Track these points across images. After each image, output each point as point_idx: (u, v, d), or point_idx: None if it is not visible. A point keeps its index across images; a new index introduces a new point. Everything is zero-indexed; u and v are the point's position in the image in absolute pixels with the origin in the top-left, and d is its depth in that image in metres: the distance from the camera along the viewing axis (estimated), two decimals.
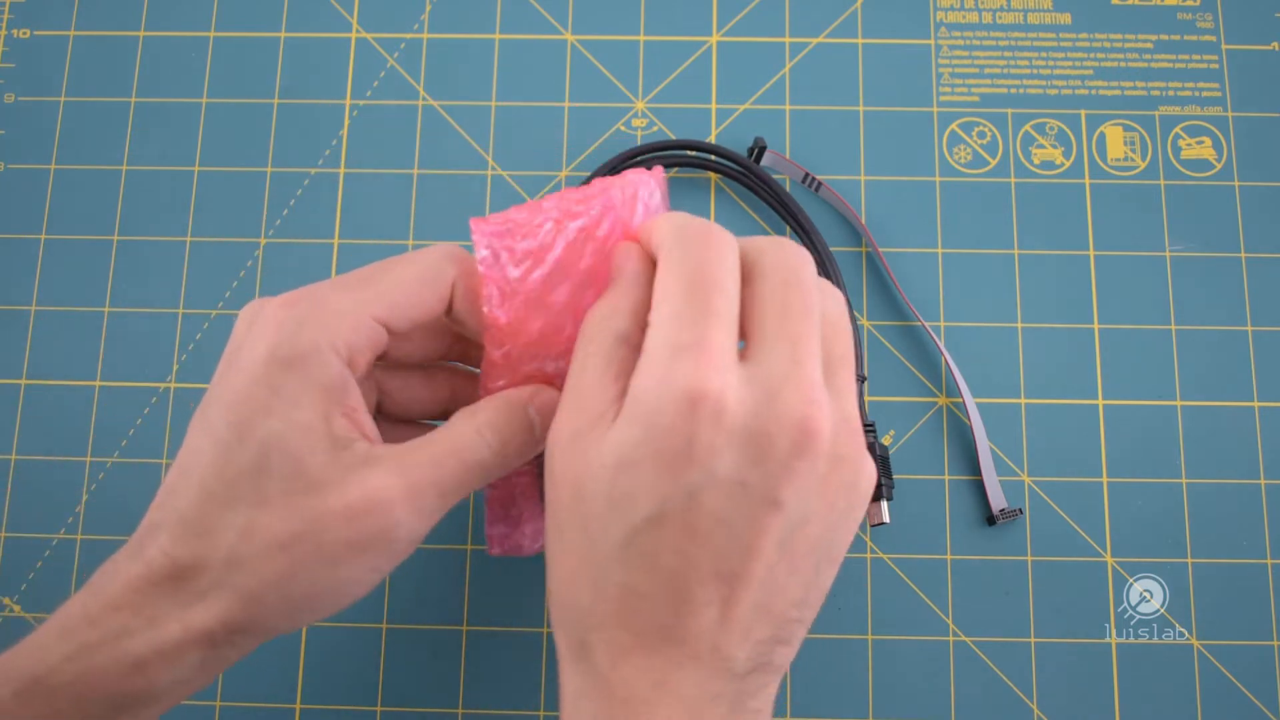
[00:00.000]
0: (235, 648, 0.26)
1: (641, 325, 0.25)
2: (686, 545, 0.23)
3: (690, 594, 0.24)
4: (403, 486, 0.25)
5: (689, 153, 0.42)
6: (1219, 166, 0.43)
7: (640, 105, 0.44)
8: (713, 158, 0.42)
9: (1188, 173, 0.44)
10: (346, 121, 0.44)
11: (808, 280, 0.24)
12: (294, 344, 0.25)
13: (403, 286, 0.27)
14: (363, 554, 0.25)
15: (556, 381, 0.29)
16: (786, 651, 0.25)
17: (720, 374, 0.23)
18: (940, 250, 0.43)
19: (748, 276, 0.25)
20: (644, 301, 0.25)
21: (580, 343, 0.26)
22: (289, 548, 0.25)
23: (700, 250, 0.24)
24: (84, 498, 0.41)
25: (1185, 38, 0.45)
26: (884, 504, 0.38)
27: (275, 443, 0.25)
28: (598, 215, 0.28)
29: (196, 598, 0.25)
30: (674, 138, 0.44)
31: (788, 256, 0.25)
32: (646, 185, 0.29)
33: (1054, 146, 0.44)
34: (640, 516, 0.23)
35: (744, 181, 0.42)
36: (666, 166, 0.42)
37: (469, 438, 0.27)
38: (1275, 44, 0.45)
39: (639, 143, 0.44)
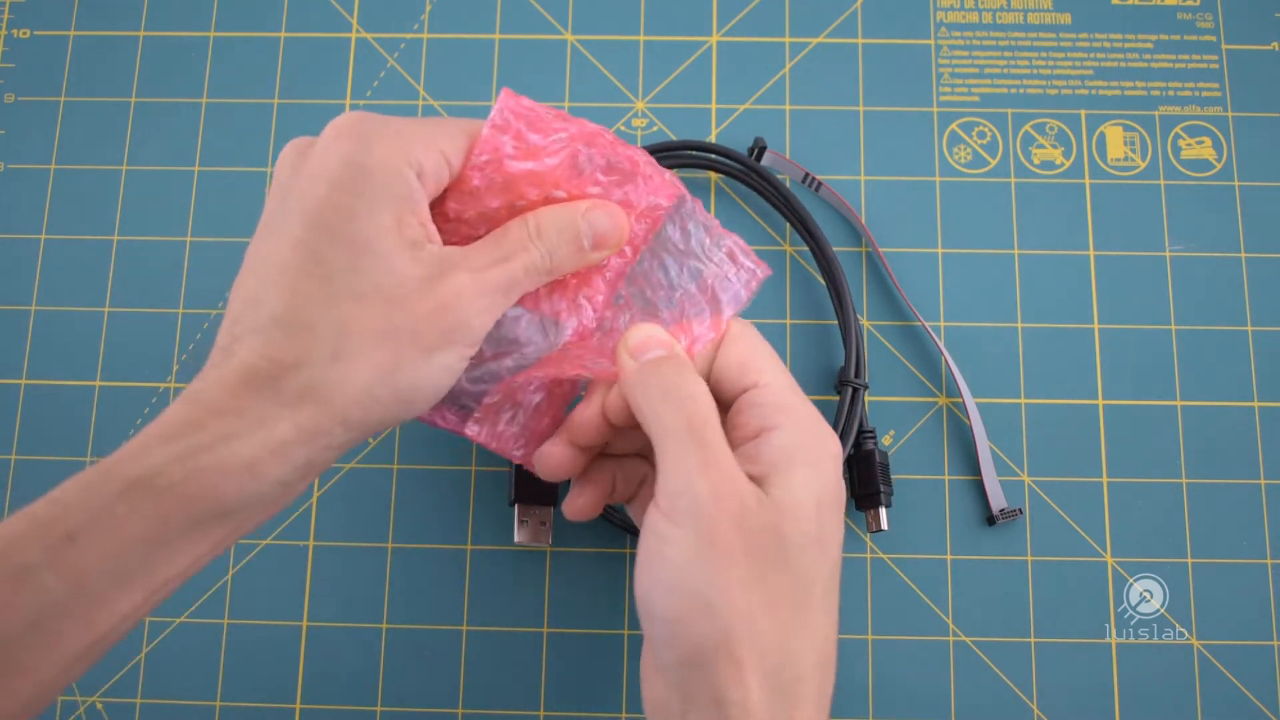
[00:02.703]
0: (338, 449, 0.27)
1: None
2: (837, 589, 0.27)
3: (832, 652, 0.27)
4: (476, 286, 0.28)
5: (690, 152, 0.42)
6: (1219, 166, 0.43)
7: (640, 105, 0.44)
8: (713, 157, 0.42)
9: (1188, 173, 0.44)
10: None
11: None
12: (369, 154, 0.27)
13: (468, 130, 0.29)
14: (452, 343, 0.27)
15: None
16: None
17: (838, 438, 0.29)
18: (940, 250, 0.43)
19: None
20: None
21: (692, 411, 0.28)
22: (392, 338, 0.26)
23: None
24: None
25: (1185, 38, 0.45)
26: (882, 511, 0.38)
27: (364, 244, 0.26)
28: (609, 167, 0.30)
29: (302, 395, 0.25)
30: (674, 137, 0.44)
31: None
32: (659, 209, 0.31)
33: (1054, 146, 0.44)
34: (837, 557, 0.27)
35: (746, 181, 0.42)
36: (668, 165, 0.42)
37: (524, 242, 0.29)
38: (1275, 44, 0.45)
39: (639, 143, 0.44)
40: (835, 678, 0.27)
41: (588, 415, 0.30)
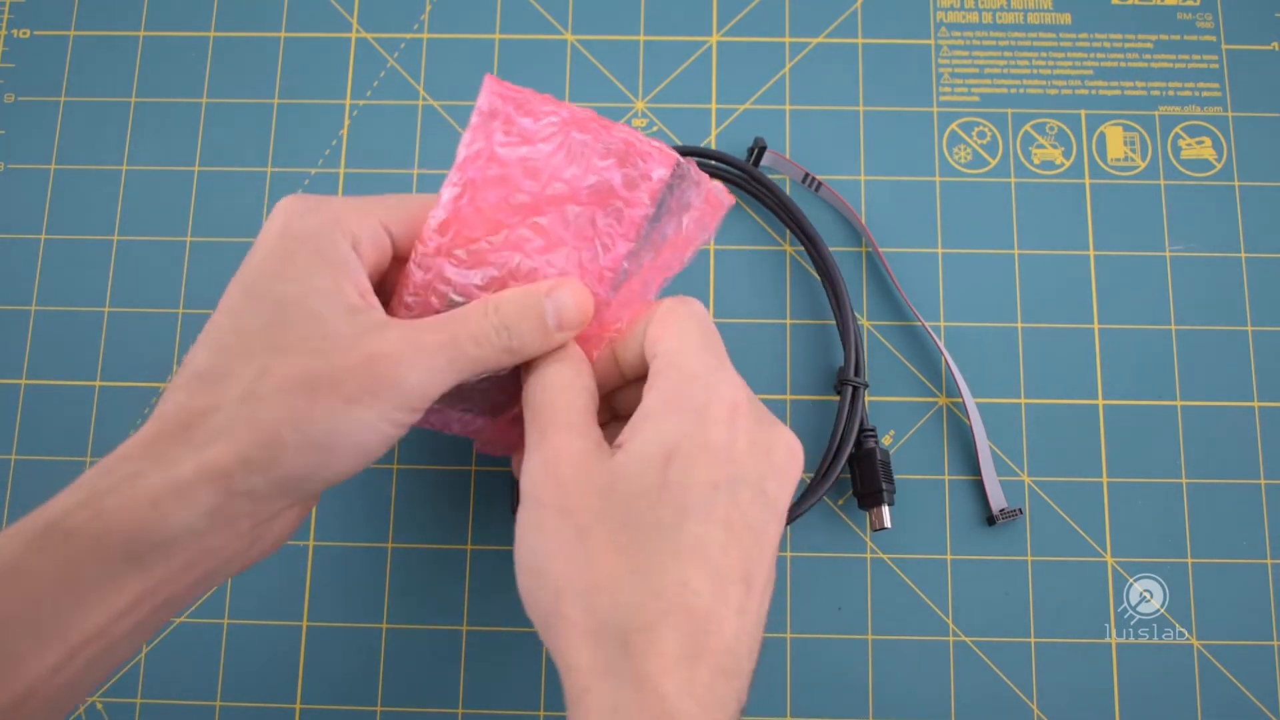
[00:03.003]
0: (250, 498, 0.25)
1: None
2: (727, 539, 0.25)
3: (726, 595, 0.25)
4: (411, 345, 0.27)
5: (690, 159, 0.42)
6: (1219, 166, 0.43)
7: (640, 105, 0.44)
8: (712, 163, 0.42)
9: (1188, 173, 0.44)
10: (346, 121, 0.44)
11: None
12: (304, 222, 0.27)
13: (407, 203, 0.29)
14: (376, 398, 0.26)
15: (493, 270, 0.30)
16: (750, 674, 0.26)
17: (740, 389, 0.28)
18: (940, 250, 0.43)
19: None
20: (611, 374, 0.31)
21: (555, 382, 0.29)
22: (308, 385, 0.25)
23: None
24: None
25: (1185, 38, 0.45)
26: (885, 509, 0.39)
27: (291, 301, 0.26)
28: (605, 151, 0.30)
29: (212, 437, 0.25)
30: (674, 137, 0.44)
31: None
32: (661, 181, 0.30)
33: (1054, 146, 0.44)
34: (694, 502, 0.25)
35: (744, 186, 0.42)
36: None
37: (478, 317, 0.28)
38: (1275, 44, 0.45)
39: None
40: (747, 634, 0.25)
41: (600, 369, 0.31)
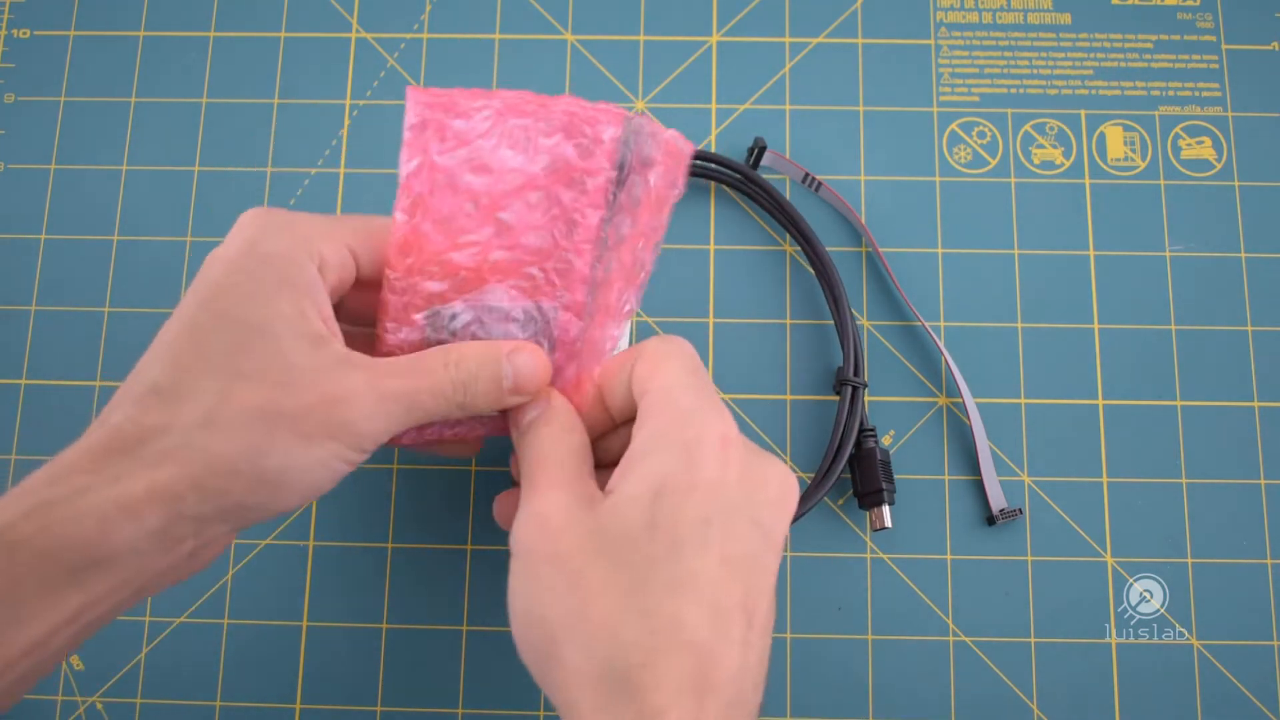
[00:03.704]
0: (197, 522, 0.25)
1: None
2: (723, 573, 0.25)
3: (727, 628, 0.25)
4: (371, 391, 0.27)
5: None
6: (1219, 166, 0.43)
7: (640, 105, 0.44)
8: (711, 166, 0.42)
9: (1188, 173, 0.44)
10: (346, 121, 0.44)
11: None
12: (273, 242, 0.27)
13: (372, 225, 0.29)
14: (332, 439, 0.26)
15: (464, 277, 0.30)
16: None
17: (729, 424, 0.27)
18: (940, 250, 0.43)
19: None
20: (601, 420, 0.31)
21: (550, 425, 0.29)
22: (268, 419, 0.25)
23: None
24: None
25: (1185, 38, 0.45)
26: (885, 509, 0.39)
27: (255, 326, 0.26)
28: (549, 129, 0.29)
29: (163, 456, 0.25)
30: None
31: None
32: (615, 140, 0.30)
33: (1054, 146, 0.44)
34: (687, 540, 0.25)
35: (743, 189, 0.42)
36: None
37: (438, 369, 0.28)
38: (1275, 44, 0.45)
39: None
40: (752, 665, 0.25)
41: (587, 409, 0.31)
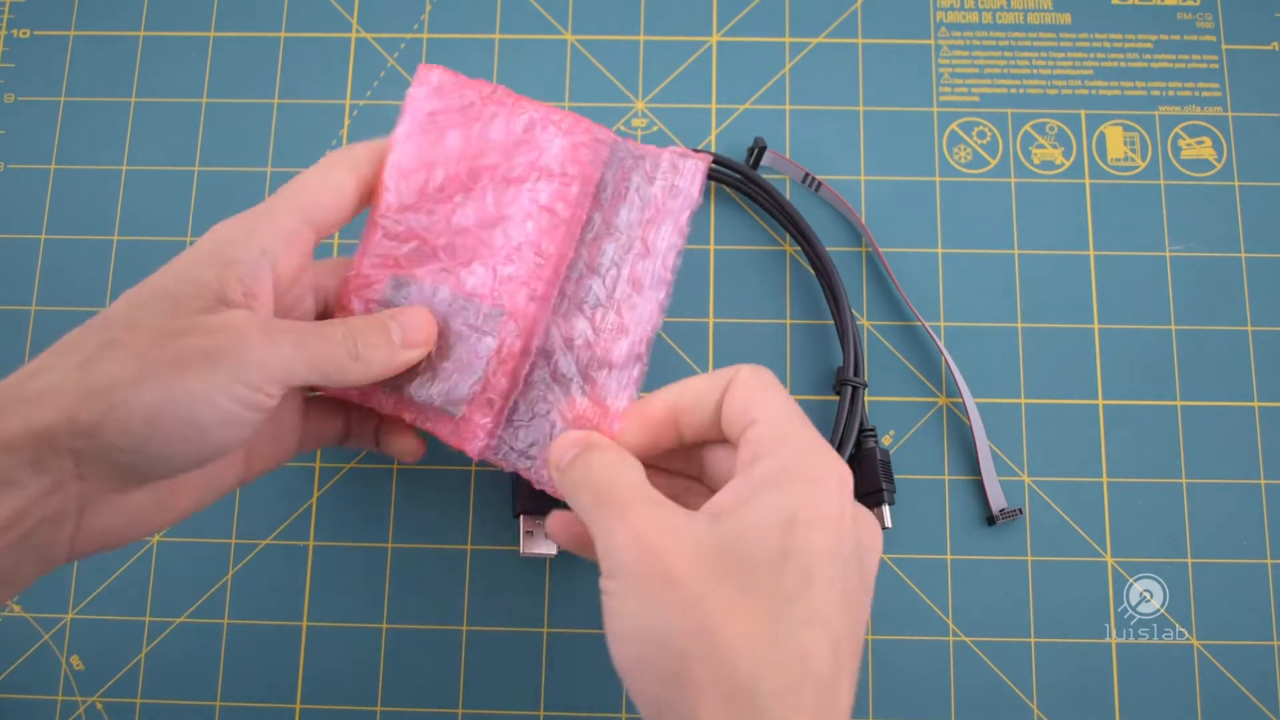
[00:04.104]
0: (77, 460, 0.25)
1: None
2: (843, 614, 0.26)
3: (845, 665, 0.26)
4: (260, 325, 0.27)
5: None
6: (1219, 166, 0.43)
7: (640, 105, 0.44)
8: (712, 165, 0.42)
9: (1188, 173, 0.44)
10: (346, 121, 0.44)
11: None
12: (219, 230, 0.29)
13: (306, 187, 0.30)
14: (213, 366, 0.26)
15: (435, 250, 0.32)
16: None
17: (845, 466, 0.28)
18: (940, 250, 0.43)
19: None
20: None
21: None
22: (144, 355, 0.25)
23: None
24: None
25: (1185, 38, 0.45)
26: (886, 509, 0.39)
27: (168, 290, 0.27)
28: (542, 125, 0.31)
29: (41, 393, 0.25)
30: (674, 137, 0.44)
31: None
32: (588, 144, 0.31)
33: (1054, 146, 0.44)
34: (819, 574, 0.25)
35: (743, 189, 0.42)
36: None
37: (330, 324, 0.29)
38: (1275, 44, 0.45)
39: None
40: (850, 705, 0.26)
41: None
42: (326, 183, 0.30)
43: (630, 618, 0.26)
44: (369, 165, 0.31)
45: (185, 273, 0.27)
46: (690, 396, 0.30)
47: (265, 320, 0.27)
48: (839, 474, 0.27)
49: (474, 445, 0.32)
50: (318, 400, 0.34)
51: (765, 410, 0.28)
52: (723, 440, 0.30)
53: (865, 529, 0.27)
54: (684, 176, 0.32)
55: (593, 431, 0.31)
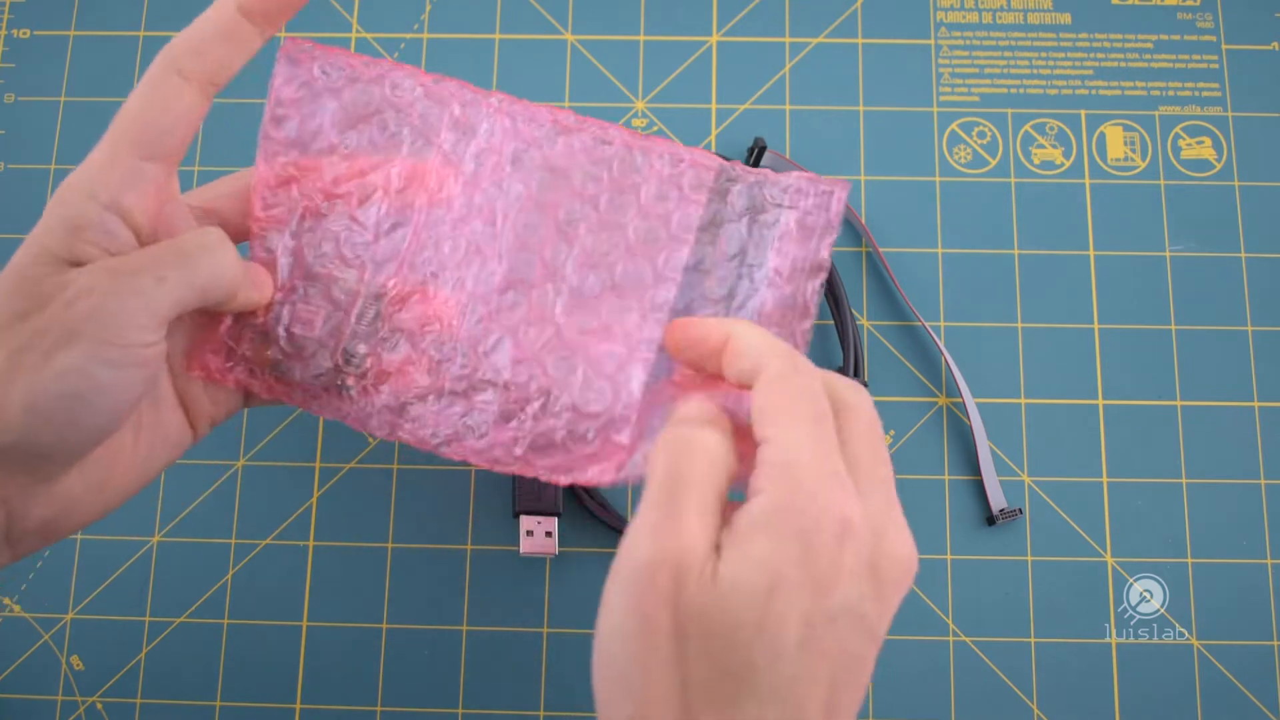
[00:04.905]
0: None
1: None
2: (815, 674, 0.23)
3: None
4: (108, 271, 0.25)
5: None
6: (1219, 166, 0.44)
7: (640, 105, 0.44)
8: None
9: (1188, 173, 0.44)
10: None
11: (881, 427, 0.27)
12: (57, 198, 0.26)
13: (135, 115, 0.27)
14: (74, 336, 0.24)
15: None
16: None
17: (854, 502, 0.24)
18: (940, 250, 0.43)
19: (836, 409, 0.26)
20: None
21: (664, 470, 0.25)
22: (5, 345, 0.24)
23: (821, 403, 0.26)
24: None
25: (1185, 38, 0.45)
26: None
27: (14, 271, 0.25)
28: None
29: None
30: (674, 138, 0.44)
31: (868, 401, 0.27)
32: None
33: (1054, 146, 0.44)
34: (789, 642, 0.23)
35: None
36: None
37: (184, 235, 0.27)
38: (1275, 44, 0.45)
39: None
40: None
41: None
42: (157, 104, 0.27)
43: (609, 644, 0.24)
44: (194, 60, 0.27)
45: (35, 246, 0.25)
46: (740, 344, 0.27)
47: (114, 264, 0.25)
48: (839, 516, 0.24)
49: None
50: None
51: (778, 429, 0.25)
52: None
53: (873, 574, 0.24)
54: (821, 204, 0.30)
55: (719, 412, 0.27)
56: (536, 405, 0.30)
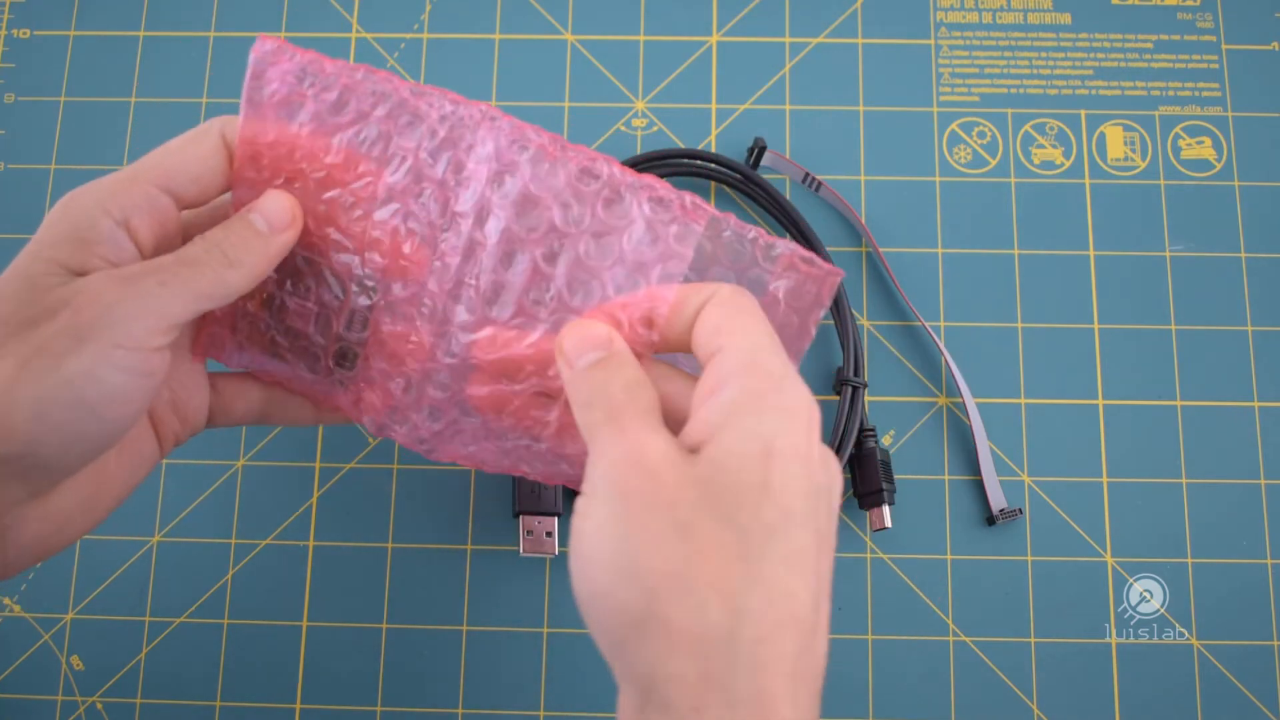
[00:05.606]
0: None
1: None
2: (819, 554, 0.24)
3: (822, 609, 0.24)
4: (117, 277, 0.25)
5: (687, 160, 0.42)
6: (1219, 166, 0.43)
7: (640, 105, 0.44)
8: (711, 166, 0.42)
9: (1188, 173, 0.44)
10: None
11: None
12: (70, 205, 0.27)
13: (173, 153, 0.28)
14: (83, 341, 0.24)
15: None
16: None
17: (812, 396, 0.26)
18: (940, 250, 0.43)
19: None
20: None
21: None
22: (13, 352, 0.24)
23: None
24: None
25: (1185, 38, 0.45)
26: (885, 508, 0.39)
27: (18, 276, 0.25)
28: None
29: None
30: (674, 137, 0.44)
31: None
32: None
33: (1054, 146, 0.44)
34: (796, 511, 0.24)
35: (742, 189, 0.42)
36: (666, 174, 0.42)
37: (190, 246, 0.27)
38: (1275, 44, 0.45)
39: (639, 143, 0.44)
40: (825, 653, 0.25)
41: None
42: (196, 152, 0.28)
43: (604, 542, 0.24)
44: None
45: (41, 254, 0.26)
46: (672, 305, 0.28)
47: (121, 272, 0.26)
48: (809, 408, 0.25)
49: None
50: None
51: (741, 336, 0.26)
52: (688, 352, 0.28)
53: (831, 469, 0.26)
54: (814, 280, 0.29)
55: (619, 338, 0.27)
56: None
